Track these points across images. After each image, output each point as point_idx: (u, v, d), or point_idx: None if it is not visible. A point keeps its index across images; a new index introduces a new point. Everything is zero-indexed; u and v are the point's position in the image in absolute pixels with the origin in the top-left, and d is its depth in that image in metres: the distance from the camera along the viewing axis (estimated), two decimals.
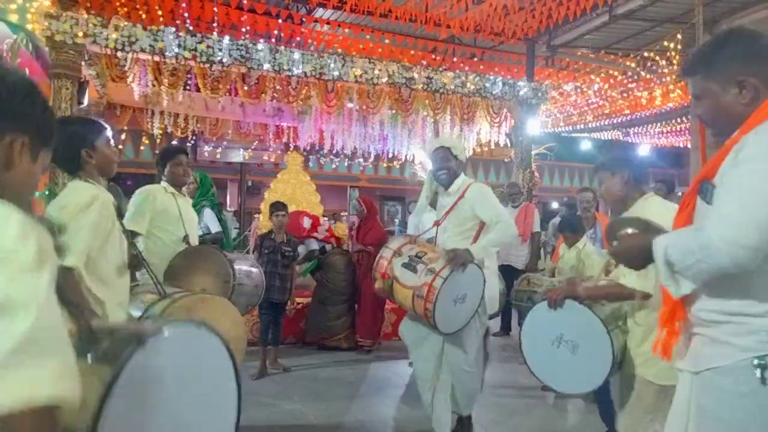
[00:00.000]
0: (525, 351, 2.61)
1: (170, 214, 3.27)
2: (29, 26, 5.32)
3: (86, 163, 2.23)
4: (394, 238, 3.51)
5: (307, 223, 6.82)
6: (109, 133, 2.38)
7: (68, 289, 1.92)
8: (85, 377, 1.13)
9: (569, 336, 2.45)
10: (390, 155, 9.86)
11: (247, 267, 3.57)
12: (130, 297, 2.41)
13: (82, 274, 2.06)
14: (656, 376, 2.37)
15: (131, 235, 3.17)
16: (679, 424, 1.55)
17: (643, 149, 16.01)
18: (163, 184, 3.41)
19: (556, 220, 7.45)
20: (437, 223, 3.37)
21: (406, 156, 9.65)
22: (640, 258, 1.57)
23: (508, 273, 6.78)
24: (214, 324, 2.38)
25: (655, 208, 2.34)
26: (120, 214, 2.34)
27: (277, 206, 5.32)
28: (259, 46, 6.15)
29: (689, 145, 11.06)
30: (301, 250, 6.22)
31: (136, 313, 2.39)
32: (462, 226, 3.29)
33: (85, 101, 6.09)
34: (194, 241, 3.40)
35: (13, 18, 5.19)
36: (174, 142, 8.79)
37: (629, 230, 1.63)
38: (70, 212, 2.06)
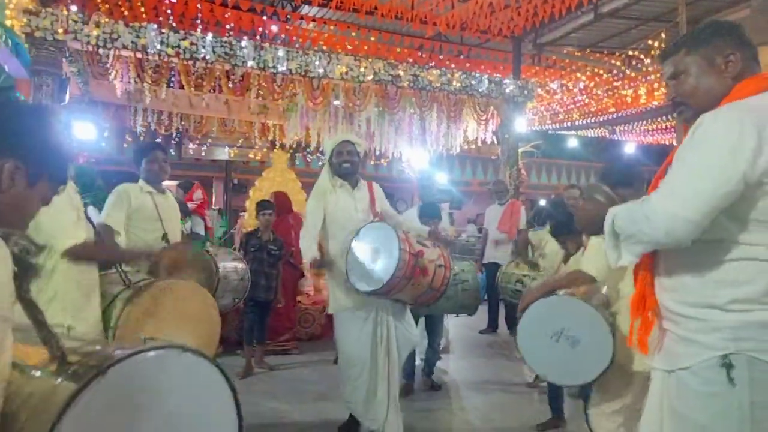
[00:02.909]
0: (521, 342, 2.72)
1: (146, 213, 3.25)
2: (8, 22, 5.22)
3: None
4: (389, 221, 3.52)
5: (198, 195, 6.81)
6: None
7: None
8: (48, 395, 1.09)
9: (570, 331, 2.58)
10: (377, 153, 9.83)
11: (231, 262, 3.55)
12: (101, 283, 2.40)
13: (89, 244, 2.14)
14: (641, 364, 2.51)
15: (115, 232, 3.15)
16: (654, 422, 1.51)
17: (629, 147, 16.16)
18: (141, 182, 3.37)
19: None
20: (375, 213, 3.50)
21: (393, 153, 9.63)
22: (596, 224, 1.60)
23: (494, 270, 6.79)
24: (184, 312, 2.39)
25: None
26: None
27: (264, 205, 5.28)
28: (243, 43, 6.10)
29: (675, 143, 11.17)
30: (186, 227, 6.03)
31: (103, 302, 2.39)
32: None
33: (66, 98, 6.00)
34: (175, 239, 3.35)
35: None
36: (158, 140, 8.69)
37: (598, 197, 1.67)
38: None
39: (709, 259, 1.38)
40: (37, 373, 1.16)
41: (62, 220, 2.10)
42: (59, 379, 1.13)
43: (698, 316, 1.39)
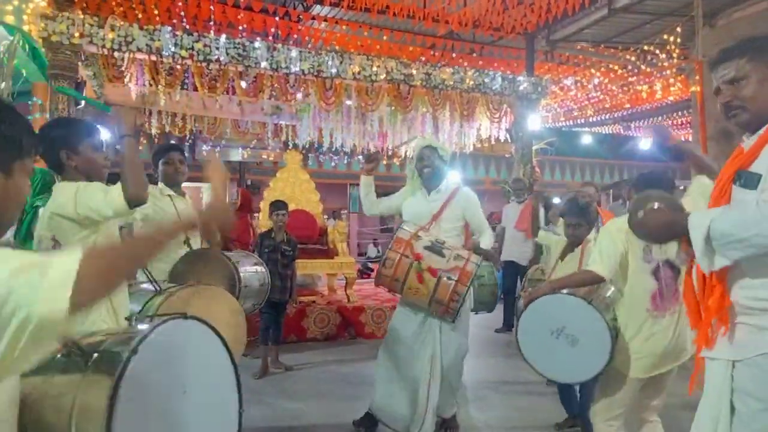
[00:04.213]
0: (521, 337, 2.73)
1: (168, 217, 3.23)
2: (25, 27, 5.28)
3: (67, 165, 2.21)
4: (405, 224, 3.49)
5: None
6: (97, 137, 2.35)
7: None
8: (83, 390, 1.10)
9: (571, 330, 2.61)
10: (390, 152, 9.81)
11: (252, 266, 3.56)
12: (130, 293, 2.41)
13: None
14: (636, 371, 2.58)
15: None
16: (713, 411, 1.58)
17: (644, 143, 16.00)
18: (160, 185, 3.38)
19: None
20: (435, 218, 3.49)
21: (405, 153, 9.62)
22: (666, 232, 1.64)
23: (511, 269, 6.76)
24: (212, 314, 2.42)
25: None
26: None
27: (278, 205, 5.28)
28: (257, 44, 6.11)
29: (690, 138, 11.03)
30: None
31: (136, 308, 2.41)
32: (454, 224, 3.55)
33: (82, 102, 6.05)
34: (196, 243, 3.33)
35: (9, 19, 5.15)
36: (172, 142, 8.76)
37: (656, 205, 1.66)
38: (57, 214, 2.10)
39: None
40: (60, 372, 1.18)
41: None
42: (89, 372, 1.16)
43: None
